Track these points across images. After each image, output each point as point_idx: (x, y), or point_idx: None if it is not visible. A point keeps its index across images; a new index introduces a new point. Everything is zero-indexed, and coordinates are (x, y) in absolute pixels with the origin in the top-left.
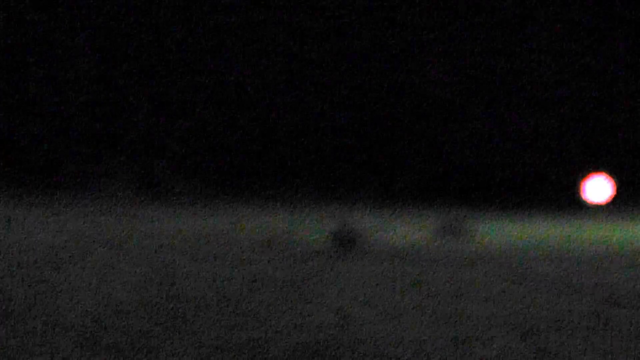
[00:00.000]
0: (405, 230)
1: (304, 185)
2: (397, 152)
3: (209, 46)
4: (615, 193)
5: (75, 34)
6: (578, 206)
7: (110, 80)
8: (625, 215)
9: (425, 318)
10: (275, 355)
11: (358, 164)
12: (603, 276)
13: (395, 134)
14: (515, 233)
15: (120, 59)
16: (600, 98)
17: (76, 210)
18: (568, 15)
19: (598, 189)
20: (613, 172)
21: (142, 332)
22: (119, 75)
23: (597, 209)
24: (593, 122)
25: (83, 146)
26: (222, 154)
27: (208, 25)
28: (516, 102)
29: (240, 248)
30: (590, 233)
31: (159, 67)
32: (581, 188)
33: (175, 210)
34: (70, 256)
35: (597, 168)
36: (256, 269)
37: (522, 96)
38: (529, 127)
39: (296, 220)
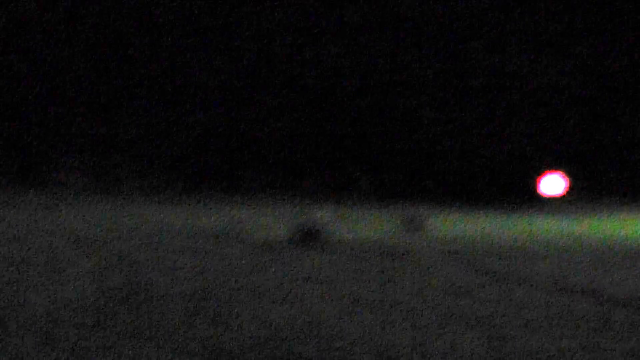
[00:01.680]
0: (366, 225)
1: (266, 179)
2: (358, 148)
3: (187, 40)
4: (568, 188)
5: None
6: (535, 200)
7: (70, 72)
8: (577, 208)
9: (388, 312)
10: (236, 353)
11: (320, 159)
12: (559, 268)
13: (358, 130)
14: (476, 227)
15: (81, 50)
16: (561, 100)
17: (33, 204)
18: (533, 19)
19: (553, 184)
20: (567, 170)
21: (98, 329)
22: (83, 66)
23: (552, 201)
24: (552, 122)
25: (39, 138)
26: (183, 148)
27: (177, 20)
28: (477, 100)
29: (201, 242)
30: (546, 225)
31: (120, 60)
32: (538, 183)
33: (133, 204)
34: (26, 251)
35: (552, 165)
36: (217, 263)
37: (483, 95)
38: (489, 125)
39: (258, 214)
